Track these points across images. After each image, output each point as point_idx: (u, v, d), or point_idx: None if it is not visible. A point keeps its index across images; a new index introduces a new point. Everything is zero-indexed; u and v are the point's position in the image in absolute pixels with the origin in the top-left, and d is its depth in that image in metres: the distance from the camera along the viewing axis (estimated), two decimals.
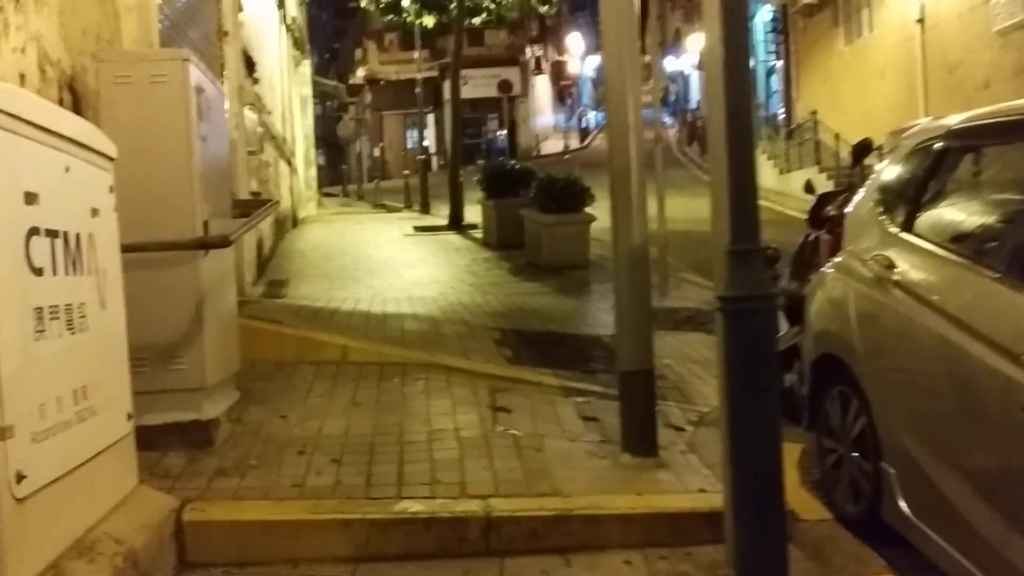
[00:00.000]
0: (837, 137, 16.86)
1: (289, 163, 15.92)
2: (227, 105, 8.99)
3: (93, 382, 2.92)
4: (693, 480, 3.93)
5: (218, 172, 4.76)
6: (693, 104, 55.64)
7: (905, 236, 3.59)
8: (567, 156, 38.97)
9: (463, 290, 10.25)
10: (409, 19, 16.47)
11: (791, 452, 5.00)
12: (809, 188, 6.23)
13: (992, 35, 14.39)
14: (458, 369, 5.46)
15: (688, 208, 17.39)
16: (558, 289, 10.34)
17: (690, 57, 58.08)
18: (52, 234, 2.64)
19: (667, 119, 61.49)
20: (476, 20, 16.55)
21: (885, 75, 17.93)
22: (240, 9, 10.31)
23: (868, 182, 4.40)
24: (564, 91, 56.84)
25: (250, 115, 10.58)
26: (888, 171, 4.06)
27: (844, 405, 3.87)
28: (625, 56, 4.06)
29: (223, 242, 4.10)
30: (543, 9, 16.04)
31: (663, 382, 5.70)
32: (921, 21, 16.33)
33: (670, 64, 73.46)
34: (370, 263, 12.19)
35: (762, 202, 13.73)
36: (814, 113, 18.02)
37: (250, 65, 11.32)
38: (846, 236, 4.22)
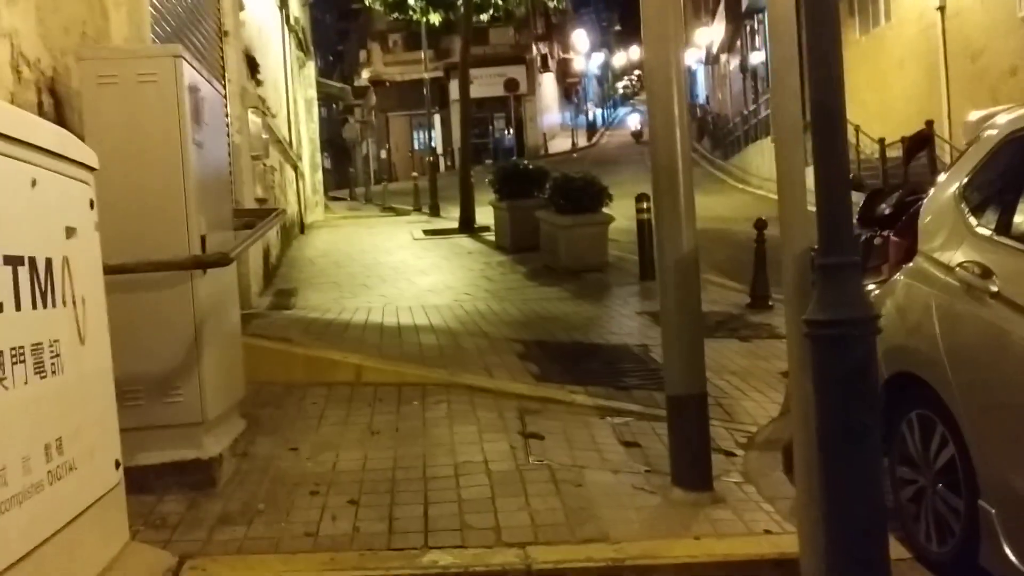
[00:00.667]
0: (857, 129, 16.36)
1: (295, 167, 15.50)
2: (228, 108, 8.60)
3: (71, 431, 2.49)
4: (756, 519, 3.48)
5: (217, 181, 4.33)
6: (700, 99, 55.21)
7: (1003, 240, 3.14)
8: (576, 154, 38.54)
9: (479, 296, 9.82)
10: (416, 17, 16.04)
11: None
12: (857, 183, 5.75)
13: (1017, 21, 13.89)
14: (482, 389, 5.02)
15: (704, 205, 16.75)
16: (578, 294, 9.89)
17: (696, 53, 57.66)
18: (13, 261, 2.22)
19: None
20: (484, 16, 16.10)
21: (904, 65, 17.42)
22: (241, 8, 9.90)
23: (943, 178, 3.94)
24: (570, 89, 56.37)
25: (254, 118, 10.16)
26: (973, 166, 3.59)
27: (926, 431, 3.42)
28: (670, 43, 3.62)
29: (222, 260, 3.67)
30: (552, 4, 15.54)
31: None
32: (942, 9, 15.83)
33: None
34: (381, 269, 11.77)
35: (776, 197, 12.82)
36: None
37: (253, 67, 10.91)
38: (921, 238, 3.76)
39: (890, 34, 18.06)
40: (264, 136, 10.63)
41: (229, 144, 8.95)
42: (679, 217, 3.66)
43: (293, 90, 16.42)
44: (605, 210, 11.17)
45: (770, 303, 8.83)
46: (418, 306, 9.19)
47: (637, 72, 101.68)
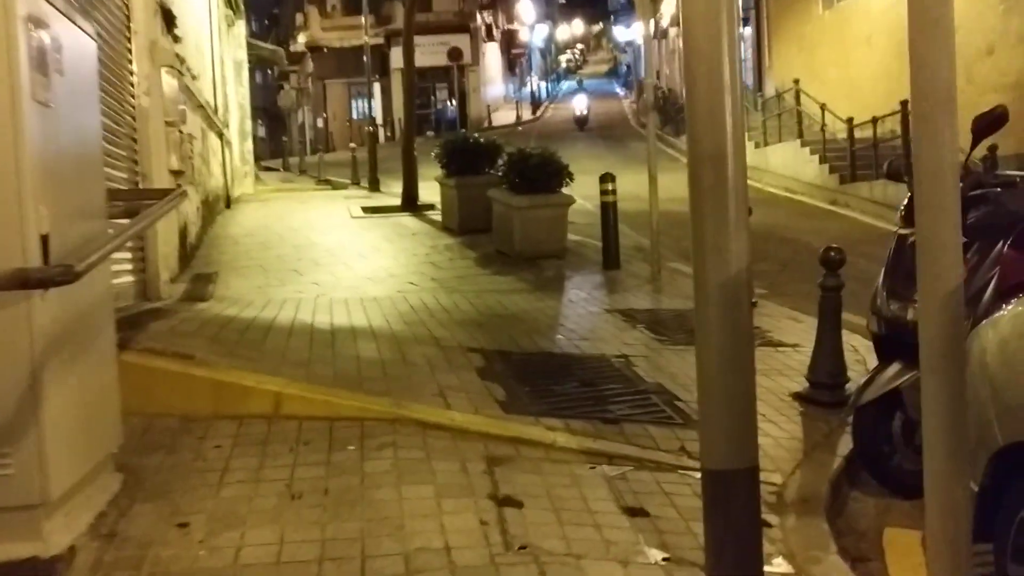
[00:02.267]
0: (823, 108, 15.56)
1: (221, 136, 14.12)
2: (135, 64, 7.30)
3: None
4: None
5: (78, 156, 3.15)
6: (643, 74, 54.48)
7: None
8: (520, 127, 37.38)
9: (425, 286, 8.71)
10: None
11: (898, 542, 3.60)
12: (896, 171, 4.77)
13: None
14: (437, 426, 3.95)
15: (663, 185, 15.89)
16: (536, 285, 8.84)
17: (642, 28, 56.76)
18: None
19: (620, 90, 60.17)
20: None
21: (871, 42, 16.66)
22: None
23: None
24: (515, 60, 55.06)
25: (168, 79, 8.84)
26: None
27: None
28: None
29: (65, 275, 2.51)
30: None
31: None
32: None
33: (621, 34, 72.27)
34: (314, 251, 10.56)
35: None
36: (796, 82, 16.71)
37: (169, 20, 9.55)
38: None
39: (856, 9, 17.27)
40: (181, 99, 9.33)
41: (134, 107, 7.68)
42: (726, 226, 2.59)
43: (220, 50, 14.98)
44: (565, 190, 10.12)
45: (753, 300, 7.88)
46: (356, 298, 8.04)
47: (580, 46, 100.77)
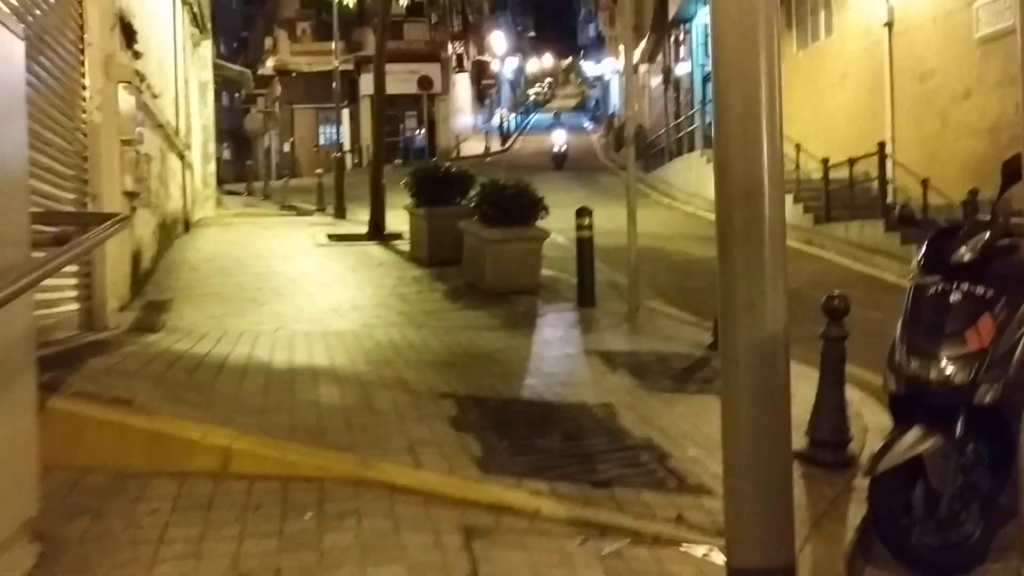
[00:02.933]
0: (798, 148, 15.39)
1: (182, 157, 13.60)
2: (87, 78, 6.81)
3: None
4: None
5: None
6: (612, 109, 54.56)
7: None
8: (489, 158, 37.16)
9: (392, 321, 8.26)
10: None
11: None
12: (908, 217, 4.43)
13: (973, 42, 13.09)
14: (407, 490, 3.50)
15: (637, 221, 15.51)
16: (509, 321, 8.43)
17: (613, 62, 56.91)
18: None
19: (588, 124, 60.26)
20: (404, 1, 14.50)
21: (845, 82, 16.59)
22: None
23: None
24: (485, 91, 55.01)
25: (125, 96, 8.35)
26: None
27: None
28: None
29: None
30: None
31: (709, 499, 3.86)
32: (889, 25, 15.00)
33: (590, 69, 72.68)
34: (276, 280, 10.07)
35: (710, 215, 11.62)
36: None
37: (129, 34, 9.08)
38: None
39: (831, 49, 17.22)
40: (139, 117, 8.83)
41: (85, 123, 7.18)
42: (761, 276, 2.21)
43: (184, 70, 14.50)
44: (539, 223, 9.74)
45: None
46: (318, 332, 7.57)
47: (549, 79, 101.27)
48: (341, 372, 5.65)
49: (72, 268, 6.63)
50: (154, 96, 10.80)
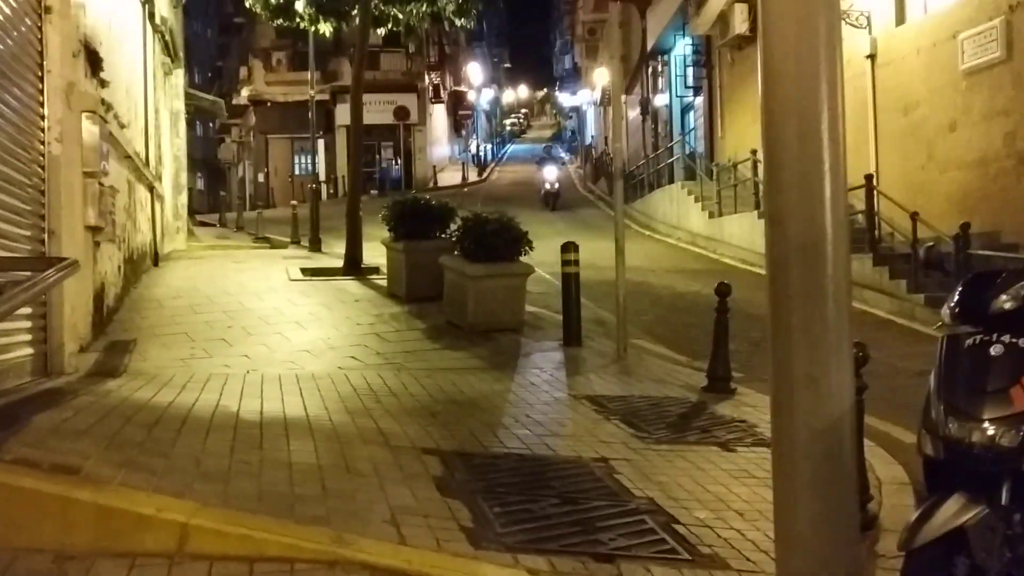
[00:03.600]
0: None
1: (152, 188, 13.16)
2: (45, 107, 6.40)
3: None
4: None
5: None
6: (588, 140, 54.60)
7: None
8: (466, 189, 36.85)
9: (370, 362, 7.85)
10: (304, 25, 13.97)
11: None
12: (936, 260, 4.09)
13: (958, 74, 12.97)
14: (389, 571, 3.08)
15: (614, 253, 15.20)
16: (493, 363, 8.04)
17: (589, 93, 57.06)
18: None
19: (564, 155, 60.31)
20: (381, 30, 14.19)
21: None
22: None
23: None
24: (461, 122, 54.91)
25: (89, 126, 7.95)
26: None
27: None
28: (820, 18, 1.82)
29: None
30: (459, 22, 13.76)
31: (723, 575, 3.48)
32: (872, 57, 14.89)
33: (566, 100, 72.90)
34: (247, 318, 9.62)
35: (692, 248, 11.36)
36: (754, 152, 16.38)
37: (94, 62, 8.69)
38: None
39: None
40: (103, 148, 8.42)
41: (43, 155, 6.76)
42: (823, 345, 1.84)
43: (155, 99, 14.10)
44: (523, 258, 9.39)
45: (732, 386, 7.19)
46: (291, 375, 7.16)
47: (524, 111, 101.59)
48: (316, 423, 5.23)
49: (25, 310, 6.19)
50: (121, 126, 10.39)
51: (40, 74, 6.72)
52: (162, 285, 11.53)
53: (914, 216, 11.71)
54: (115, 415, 4.76)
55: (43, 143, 6.72)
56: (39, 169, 6.67)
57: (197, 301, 10.50)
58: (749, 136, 19.72)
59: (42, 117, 6.72)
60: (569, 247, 8.89)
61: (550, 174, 28.02)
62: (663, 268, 14.97)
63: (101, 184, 8.42)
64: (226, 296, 10.85)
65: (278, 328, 9.19)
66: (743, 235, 16.52)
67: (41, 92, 6.73)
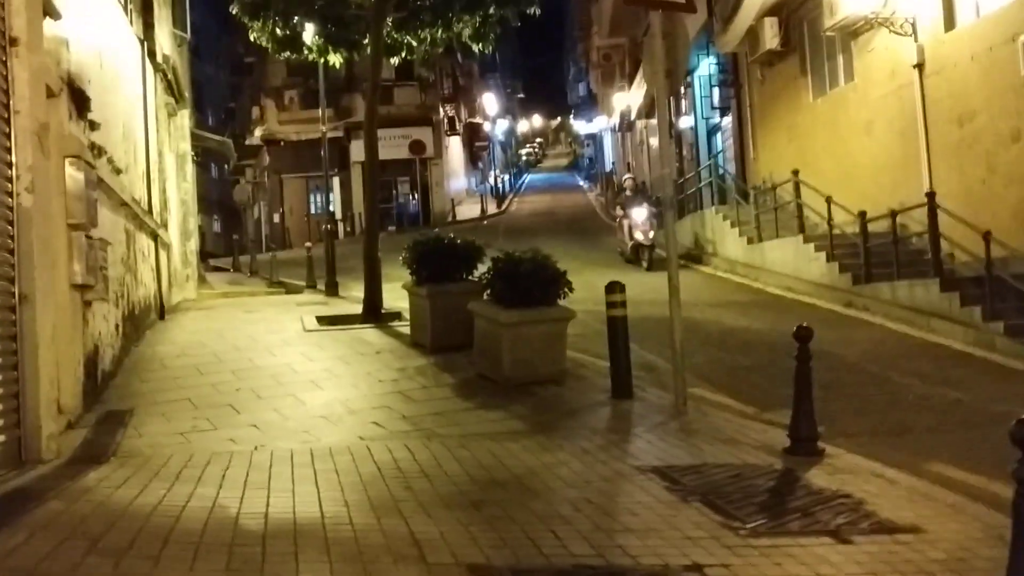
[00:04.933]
0: (829, 201, 14.12)
1: (155, 237, 12.29)
2: (12, 153, 5.49)
3: None
4: None
5: None
6: (607, 166, 53.69)
7: None
8: (486, 222, 36.00)
9: (395, 429, 6.85)
10: (312, 57, 13.16)
11: None
12: None
13: (1020, 79, 11.92)
14: None
15: (649, 285, 14.21)
16: (536, 424, 7.03)
17: (604, 121, 56.26)
18: None
19: (583, 183, 59.46)
20: (394, 59, 13.34)
21: (872, 130, 15.40)
22: (54, 16, 6.86)
23: None
24: (477, 153, 54.22)
25: (74, 173, 7.08)
26: None
27: None
28: None
29: None
30: (476, 48, 12.89)
31: None
32: (920, 66, 13.85)
33: (582, 128, 72.24)
34: (257, 378, 8.68)
35: (732, 276, 9.79)
36: (796, 173, 15.35)
37: (80, 102, 7.84)
38: None
39: (853, 96, 16.06)
40: (91, 197, 7.52)
41: (11, 208, 5.85)
42: None
43: (158, 141, 13.28)
44: (562, 302, 8.39)
45: (820, 447, 6.12)
46: (304, 451, 6.17)
47: (539, 140, 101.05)
48: (333, 530, 4.22)
49: None
50: (117, 171, 9.52)
51: (6, 116, 5.84)
52: (166, 342, 10.61)
53: (987, 236, 10.63)
54: (80, 536, 3.77)
55: (11, 194, 5.82)
56: (6, 225, 5.77)
57: (203, 360, 9.57)
58: (785, 156, 18.69)
59: (9, 165, 5.82)
60: (615, 287, 7.88)
61: (640, 217, 17.99)
62: (705, 301, 13.90)
63: (89, 237, 7.52)
64: (235, 353, 9.91)
65: (291, 389, 8.23)
66: (786, 262, 15.44)
67: (8, 136, 5.84)
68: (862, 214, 13.14)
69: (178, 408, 7.67)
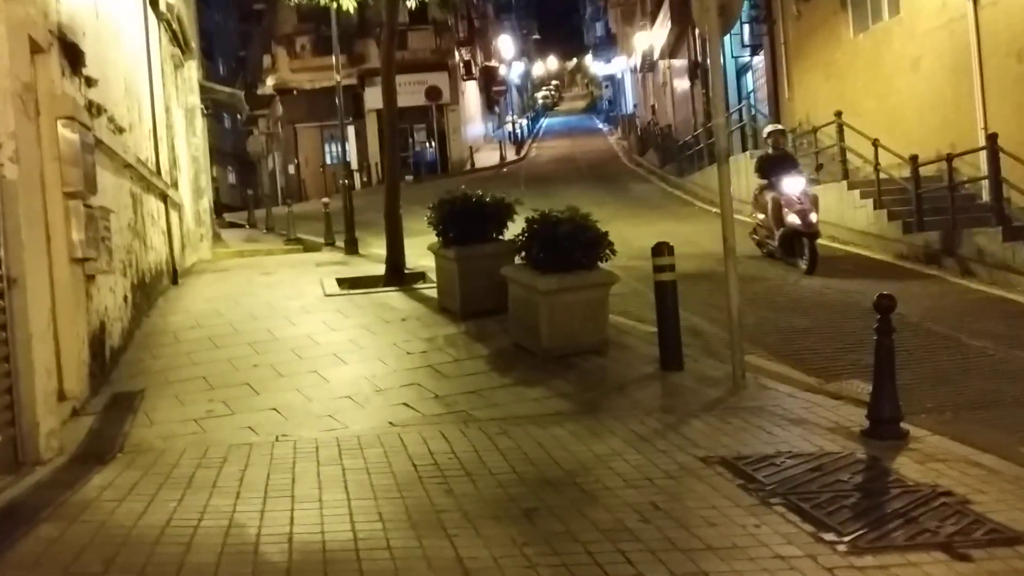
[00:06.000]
0: (875, 144, 13.25)
1: (165, 198, 11.65)
2: None
3: None
4: None
5: None
6: (627, 109, 52.39)
7: None
8: (505, 169, 35.17)
9: (428, 412, 6.26)
10: (324, 2, 12.35)
11: None
12: None
13: None
14: None
15: (684, 236, 13.44)
16: (582, 403, 6.41)
17: (623, 61, 54.71)
18: None
19: (603, 126, 58.18)
20: (411, 2, 12.49)
21: (919, 67, 14.45)
22: None
23: None
24: (495, 98, 53.04)
25: (68, 136, 6.43)
26: None
27: None
28: None
29: None
30: None
31: None
32: None
33: (600, 68, 70.60)
34: (277, 351, 8.10)
35: None
36: (839, 115, 14.46)
37: (74, 57, 7.14)
38: None
39: (898, 30, 15.08)
40: (89, 161, 6.88)
41: None
42: None
43: (164, 95, 12.56)
44: (604, 264, 7.71)
45: (903, 428, 5.46)
46: (330, 441, 5.60)
47: (555, 82, 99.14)
48: (368, 557, 3.63)
49: None
50: (119, 130, 8.86)
51: None
52: (180, 311, 10.03)
53: None
54: (93, 551, 3.18)
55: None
56: None
57: (219, 331, 8.99)
58: (822, 96, 17.76)
59: None
60: (662, 249, 7.19)
61: (795, 188, 12.11)
62: (744, 253, 13.14)
63: (88, 206, 6.89)
64: (252, 322, 9.32)
65: (313, 364, 7.64)
66: (829, 209, 14.58)
67: None
68: (913, 158, 12.31)
69: (192, 388, 7.11)
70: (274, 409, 6.47)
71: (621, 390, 6.74)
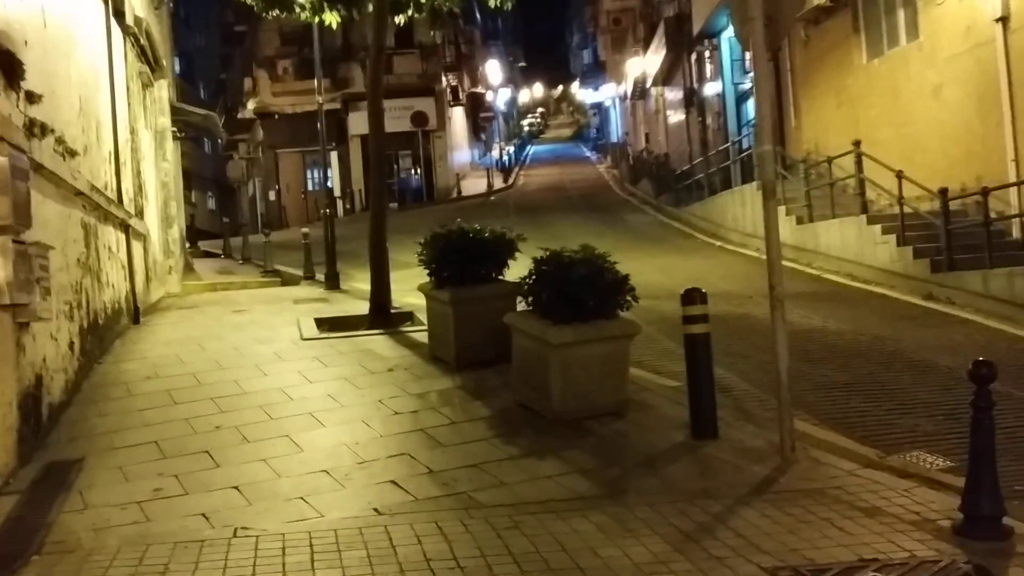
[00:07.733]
0: (899, 176, 12.33)
1: (126, 228, 10.54)
2: None
3: None
4: None
5: None
6: (614, 137, 51.70)
7: None
8: (493, 197, 34.22)
9: (421, 496, 5.17)
10: (305, 16, 11.35)
11: None
12: None
13: None
14: None
15: (692, 274, 12.45)
16: (605, 483, 5.36)
17: (614, 88, 53.98)
18: None
19: (590, 154, 57.39)
20: (400, 18, 11.50)
21: (941, 95, 13.61)
22: None
23: None
24: (482, 124, 52.23)
25: None
26: None
27: None
28: None
29: None
30: (493, 3, 11.12)
31: None
32: (1004, 20, 12.05)
33: (588, 96, 70.01)
34: (243, 409, 7.00)
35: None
36: (857, 144, 13.57)
37: (10, 68, 6.08)
38: None
39: (917, 56, 14.25)
40: (22, 189, 5.81)
41: None
42: None
43: (129, 116, 11.48)
44: (624, 313, 6.67)
45: (1008, 526, 4.42)
46: (301, 540, 4.51)
47: (540, 110, 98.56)
48: None
49: None
50: (69, 154, 7.77)
51: None
52: (136, 357, 8.90)
53: None
54: None
55: None
56: None
57: (179, 382, 7.87)
58: (834, 125, 16.90)
59: None
60: (694, 296, 6.16)
61: None
62: (760, 292, 12.15)
63: (20, 242, 5.81)
64: (218, 372, 8.21)
65: (285, 426, 6.55)
66: (846, 245, 13.70)
67: None
68: (943, 191, 11.40)
69: (141, 457, 6.01)
70: (235, 488, 5.37)
71: (650, 465, 5.68)
